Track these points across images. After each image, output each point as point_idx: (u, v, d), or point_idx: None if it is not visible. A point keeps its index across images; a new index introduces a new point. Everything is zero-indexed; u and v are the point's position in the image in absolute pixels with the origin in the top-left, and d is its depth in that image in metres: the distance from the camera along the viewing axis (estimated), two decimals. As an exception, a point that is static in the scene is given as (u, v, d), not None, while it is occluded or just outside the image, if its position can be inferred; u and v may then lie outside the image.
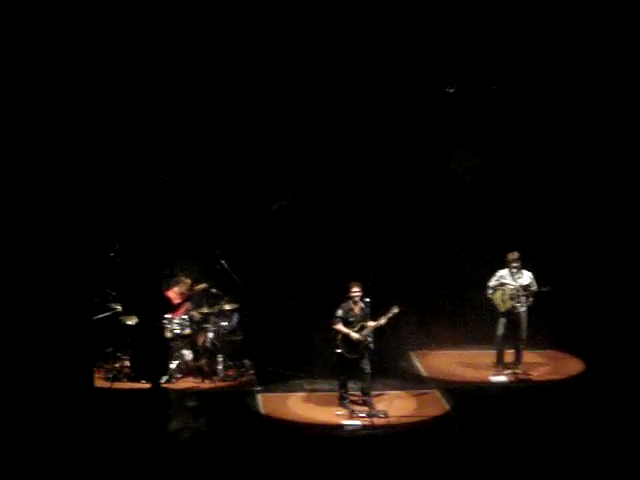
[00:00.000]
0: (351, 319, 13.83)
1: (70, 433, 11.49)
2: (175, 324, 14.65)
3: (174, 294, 14.78)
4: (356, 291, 13.81)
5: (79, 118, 11.80)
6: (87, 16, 12.25)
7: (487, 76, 16.26)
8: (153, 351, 13.74)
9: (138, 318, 14.05)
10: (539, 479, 11.51)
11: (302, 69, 15.72)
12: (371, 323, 13.78)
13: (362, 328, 13.76)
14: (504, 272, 15.21)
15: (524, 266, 15.19)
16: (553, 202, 16.97)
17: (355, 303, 13.85)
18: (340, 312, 13.85)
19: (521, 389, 14.77)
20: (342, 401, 13.89)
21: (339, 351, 13.81)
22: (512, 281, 15.13)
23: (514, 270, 15.13)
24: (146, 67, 15.11)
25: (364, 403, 13.87)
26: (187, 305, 14.89)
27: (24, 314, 11.48)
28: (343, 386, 13.95)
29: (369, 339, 13.76)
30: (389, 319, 13.82)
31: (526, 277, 15.16)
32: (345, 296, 13.91)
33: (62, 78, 11.65)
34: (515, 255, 15.12)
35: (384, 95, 16.26)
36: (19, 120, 11.45)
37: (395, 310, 13.80)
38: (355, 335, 13.72)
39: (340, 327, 13.80)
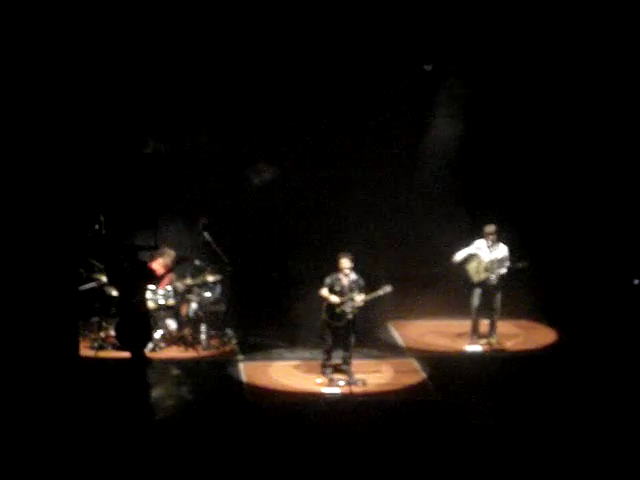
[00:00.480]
0: (337, 289, 13.85)
1: (55, 401, 11.53)
2: (159, 295, 14.88)
3: (158, 265, 14.93)
4: (345, 263, 13.87)
5: (62, 86, 11.68)
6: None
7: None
8: (136, 321, 13.90)
9: (121, 289, 14.19)
10: (513, 447, 11.70)
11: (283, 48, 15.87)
12: (359, 297, 13.87)
13: (350, 299, 13.90)
14: (481, 243, 15.37)
15: (501, 239, 15.39)
16: (530, 175, 17.24)
17: (345, 275, 13.88)
18: (327, 280, 13.90)
19: (495, 358, 15.02)
20: (324, 369, 14.09)
21: (324, 318, 13.96)
22: (488, 253, 15.34)
23: (490, 243, 15.31)
24: (129, 33, 15.20)
25: (343, 371, 14.09)
26: (171, 276, 15.09)
27: (9, 284, 11.47)
28: (326, 353, 14.08)
29: (350, 309, 13.87)
30: (379, 297, 13.97)
31: (502, 250, 15.33)
32: (336, 268, 13.97)
33: (43, 42, 11.47)
34: (492, 228, 15.26)
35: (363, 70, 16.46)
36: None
37: (387, 289, 13.87)
38: (335, 299, 13.76)
39: (324, 293, 13.86)
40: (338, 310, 13.85)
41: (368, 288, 13.98)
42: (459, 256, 15.35)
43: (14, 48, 11.37)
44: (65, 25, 11.68)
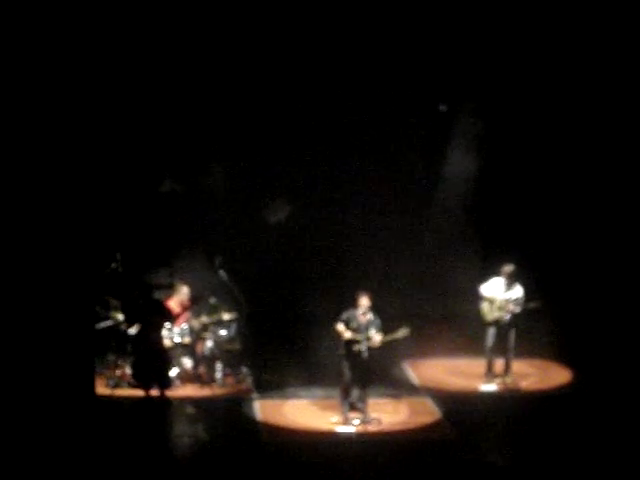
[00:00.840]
0: (354, 325, 13.78)
1: (71, 440, 11.55)
2: (175, 333, 14.95)
3: (174, 304, 15.04)
4: (363, 300, 13.81)
5: (79, 126, 11.75)
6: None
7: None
8: (153, 359, 13.95)
9: (138, 327, 14.24)
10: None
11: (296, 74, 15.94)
12: (377, 337, 13.79)
13: (367, 339, 13.82)
14: (497, 281, 15.36)
15: (518, 280, 15.37)
16: (545, 214, 17.28)
17: (362, 313, 13.82)
18: (344, 316, 13.84)
19: (510, 398, 14.98)
20: (342, 406, 13.95)
21: (341, 354, 13.89)
22: (503, 292, 15.36)
23: (507, 282, 15.33)
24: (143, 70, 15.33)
25: (358, 410, 14.05)
26: (187, 315, 15.16)
27: (27, 322, 11.51)
28: (344, 390, 13.98)
29: (365, 348, 13.83)
30: (392, 339, 13.89)
31: (517, 291, 15.33)
32: (353, 305, 13.95)
33: (60, 80, 11.55)
34: (510, 267, 15.25)
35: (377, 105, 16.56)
36: (18, 125, 11.39)
37: (405, 332, 13.81)
38: (349, 335, 13.68)
39: (339, 327, 13.78)
40: (355, 348, 13.82)
41: (385, 328, 13.94)
42: (485, 291, 15.33)
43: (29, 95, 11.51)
44: (81, 62, 11.82)
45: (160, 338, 14.09)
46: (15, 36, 11.33)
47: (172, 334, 14.87)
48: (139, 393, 14.45)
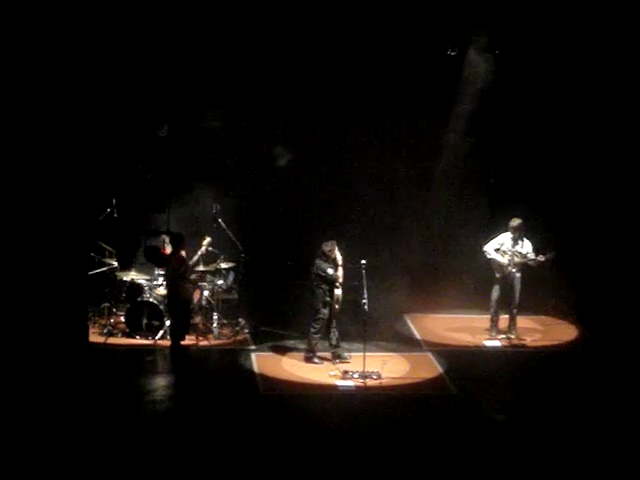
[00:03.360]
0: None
1: (64, 387, 11.48)
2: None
3: (165, 248, 14.77)
4: (335, 250, 13.90)
5: (72, 67, 11.59)
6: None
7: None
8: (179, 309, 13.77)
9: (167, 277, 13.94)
10: (527, 444, 11.49)
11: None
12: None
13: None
14: (505, 236, 15.15)
15: (525, 235, 15.12)
16: (558, 166, 16.94)
17: (335, 263, 13.90)
18: (331, 271, 13.83)
19: (514, 354, 14.77)
20: (313, 359, 14.02)
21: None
22: (511, 247, 15.09)
23: (515, 237, 15.08)
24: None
25: (343, 360, 14.01)
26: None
27: (19, 268, 11.42)
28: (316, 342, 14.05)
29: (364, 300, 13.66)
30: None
31: (526, 246, 15.11)
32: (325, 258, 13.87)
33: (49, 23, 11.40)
34: (517, 222, 15.05)
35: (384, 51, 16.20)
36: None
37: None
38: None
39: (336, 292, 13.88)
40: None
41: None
42: (489, 248, 15.10)
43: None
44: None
45: (184, 288, 13.81)
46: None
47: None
48: (132, 341, 14.30)
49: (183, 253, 13.93)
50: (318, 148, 16.91)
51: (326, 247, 13.92)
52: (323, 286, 13.88)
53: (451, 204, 17.23)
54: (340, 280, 13.83)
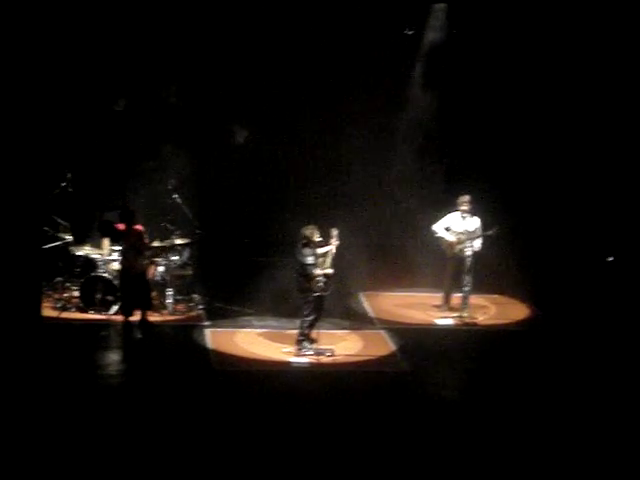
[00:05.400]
0: (320, 260, 13.54)
1: (17, 362, 11.41)
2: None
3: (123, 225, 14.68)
4: (315, 235, 13.50)
5: (27, 43, 11.46)
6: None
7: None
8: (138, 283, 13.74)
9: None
10: (480, 422, 11.61)
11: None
12: (330, 260, 13.49)
13: (322, 262, 13.55)
14: (453, 216, 15.18)
15: (475, 211, 15.18)
16: (509, 145, 17.04)
17: (317, 246, 13.57)
18: (311, 259, 13.46)
19: (466, 332, 14.86)
20: (304, 343, 13.65)
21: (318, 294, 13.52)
22: (460, 225, 15.13)
23: (464, 214, 15.12)
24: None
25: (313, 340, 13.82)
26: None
27: None
28: (311, 326, 13.67)
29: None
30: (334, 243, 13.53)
31: (474, 222, 15.13)
32: (306, 243, 13.55)
33: None
34: (465, 198, 15.05)
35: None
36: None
37: (335, 232, 13.50)
38: (328, 271, 13.49)
39: (317, 272, 13.44)
40: (320, 284, 13.49)
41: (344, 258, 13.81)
42: (438, 227, 15.13)
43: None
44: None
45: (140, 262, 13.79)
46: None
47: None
48: (85, 316, 14.25)
49: (140, 227, 13.91)
50: (277, 124, 16.88)
51: (306, 231, 13.52)
52: (300, 272, 13.51)
53: (406, 183, 17.25)
54: (317, 272, 13.44)
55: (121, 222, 13.84)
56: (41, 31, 11.74)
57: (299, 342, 13.71)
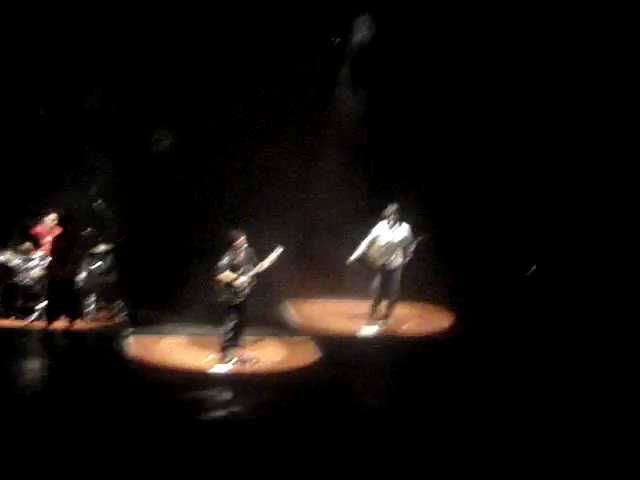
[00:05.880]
0: (237, 264, 13.52)
1: None
2: (44, 262, 14.35)
3: (42, 229, 14.51)
4: (242, 240, 13.54)
5: None
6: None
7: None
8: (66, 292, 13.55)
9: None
10: (403, 430, 11.62)
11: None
12: (253, 269, 13.55)
13: (244, 272, 13.53)
14: (381, 225, 15.18)
15: (403, 219, 15.20)
16: (437, 155, 17.13)
17: (240, 250, 13.57)
18: (226, 260, 13.48)
19: (391, 340, 14.90)
20: (228, 350, 13.60)
21: (225, 298, 13.52)
22: (388, 234, 15.15)
23: (391, 223, 15.15)
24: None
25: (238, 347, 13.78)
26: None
27: None
28: (232, 334, 13.58)
29: (247, 283, 13.57)
30: (272, 262, 13.57)
31: (403, 230, 15.18)
32: (228, 245, 13.58)
33: None
34: (392, 209, 15.08)
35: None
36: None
37: (279, 250, 13.51)
38: (239, 280, 13.46)
39: (225, 276, 13.42)
40: (237, 285, 13.47)
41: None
42: (356, 255, 15.11)
43: None
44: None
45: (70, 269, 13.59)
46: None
47: (42, 263, 14.29)
48: (6, 322, 14.05)
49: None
50: (204, 128, 16.79)
51: (231, 237, 13.49)
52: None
53: (332, 190, 17.27)
54: (239, 282, 13.45)
55: (60, 225, 13.65)
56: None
57: (223, 349, 13.61)
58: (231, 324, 13.59)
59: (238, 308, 13.59)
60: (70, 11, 15.39)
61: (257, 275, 13.58)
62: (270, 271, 13.93)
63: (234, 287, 13.48)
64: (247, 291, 13.56)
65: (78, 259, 13.85)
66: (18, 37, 15.24)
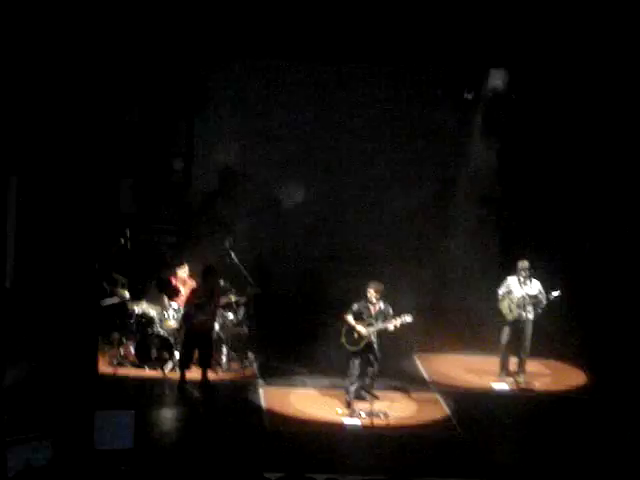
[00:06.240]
0: (364, 316, 13.68)
1: (74, 417, 11.39)
2: (182, 314, 14.66)
3: (176, 281, 14.83)
4: (372, 291, 13.69)
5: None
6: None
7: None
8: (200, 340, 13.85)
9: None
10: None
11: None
12: (379, 324, 13.68)
13: (369, 325, 13.67)
14: (513, 280, 15.09)
15: (534, 275, 15.06)
16: (569, 210, 16.91)
17: (372, 303, 13.72)
18: (355, 307, 13.73)
19: (522, 398, 14.68)
20: (348, 396, 13.72)
21: (342, 342, 13.73)
22: (520, 289, 15.04)
23: (523, 278, 15.04)
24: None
25: (363, 399, 13.81)
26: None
27: (32, 296, 11.40)
28: (351, 382, 13.73)
29: (373, 338, 13.68)
30: (397, 326, 13.69)
31: (534, 287, 15.03)
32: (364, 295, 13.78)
33: None
34: (525, 264, 14.98)
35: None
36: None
37: (407, 319, 13.67)
38: (359, 327, 13.60)
39: (347, 318, 13.67)
40: (356, 334, 13.61)
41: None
42: (501, 291, 15.07)
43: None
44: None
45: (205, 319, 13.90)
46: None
47: (178, 315, 14.62)
48: (141, 372, 14.31)
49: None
50: (336, 181, 16.99)
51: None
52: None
53: (463, 244, 17.19)
54: (360, 329, 13.69)
55: (203, 279, 13.99)
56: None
57: (349, 403, 13.68)
58: (354, 376, 13.69)
59: (362, 358, 13.67)
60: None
61: (380, 332, 13.66)
62: (400, 325, 13.97)
63: (356, 333, 13.62)
64: (367, 342, 13.62)
65: (214, 311, 14.15)
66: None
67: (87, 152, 11.52)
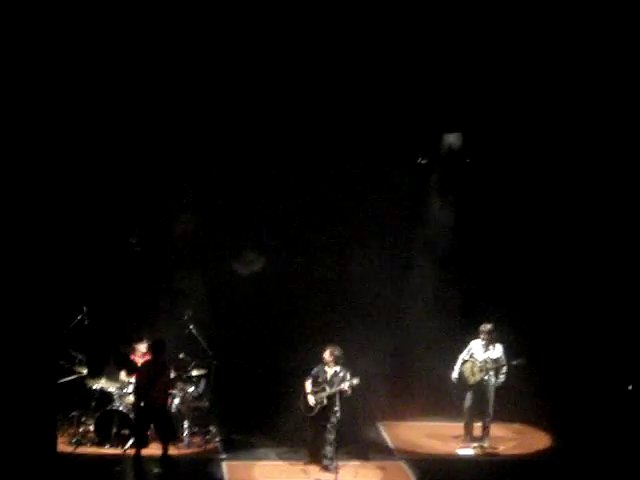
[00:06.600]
0: (320, 380, 13.84)
1: None
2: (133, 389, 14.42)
3: (135, 357, 14.67)
4: (327, 354, 13.89)
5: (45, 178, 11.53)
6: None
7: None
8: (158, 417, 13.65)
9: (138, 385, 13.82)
10: None
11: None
12: (328, 389, 13.78)
13: (322, 390, 13.76)
14: (476, 343, 15.12)
15: (497, 339, 15.11)
16: (527, 270, 16.99)
17: (329, 366, 13.89)
18: (314, 371, 13.94)
19: (487, 463, 14.63)
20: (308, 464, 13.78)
21: (299, 409, 13.87)
22: (482, 353, 15.05)
23: (485, 342, 15.06)
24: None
25: (328, 469, 13.72)
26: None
27: None
28: (307, 449, 13.85)
29: (325, 402, 13.71)
30: (348, 390, 13.76)
31: (497, 350, 15.06)
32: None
33: None
34: (487, 327, 15.04)
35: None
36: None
37: (354, 382, 13.77)
38: (309, 397, 13.80)
39: (305, 383, 13.92)
40: (310, 399, 13.72)
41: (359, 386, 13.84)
42: (455, 372, 15.10)
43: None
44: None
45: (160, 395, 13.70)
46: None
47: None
48: (101, 450, 14.05)
49: (162, 360, 13.87)
50: (290, 251, 16.97)
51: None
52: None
53: (425, 308, 17.19)
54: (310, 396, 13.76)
55: (152, 353, 13.83)
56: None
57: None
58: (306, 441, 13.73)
59: (318, 424, 13.72)
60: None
61: (330, 397, 13.72)
62: (362, 394, 13.91)
63: (306, 399, 13.77)
64: (321, 408, 13.69)
65: (169, 385, 13.93)
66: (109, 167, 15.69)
67: (44, 228, 11.55)
